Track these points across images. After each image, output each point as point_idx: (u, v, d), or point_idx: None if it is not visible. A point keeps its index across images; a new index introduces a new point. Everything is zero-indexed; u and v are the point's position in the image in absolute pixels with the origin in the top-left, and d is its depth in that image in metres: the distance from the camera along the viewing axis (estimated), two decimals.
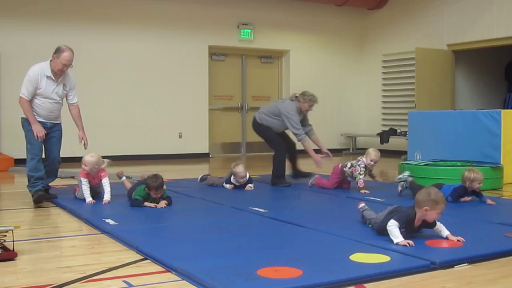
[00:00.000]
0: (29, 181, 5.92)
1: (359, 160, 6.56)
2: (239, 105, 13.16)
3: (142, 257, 3.72)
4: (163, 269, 3.44)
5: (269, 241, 4.17)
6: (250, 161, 11.41)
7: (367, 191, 6.39)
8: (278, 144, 7.24)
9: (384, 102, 13.61)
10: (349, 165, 6.62)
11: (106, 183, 5.85)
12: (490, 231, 4.43)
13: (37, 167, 5.87)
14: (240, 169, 6.79)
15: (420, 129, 8.56)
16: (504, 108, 11.74)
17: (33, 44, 10.58)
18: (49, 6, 10.74)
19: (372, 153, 6.54)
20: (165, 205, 5.50)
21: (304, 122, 7.32)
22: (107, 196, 5.78)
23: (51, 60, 5.89)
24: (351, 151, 13.51)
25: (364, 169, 6.48)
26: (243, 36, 12.68)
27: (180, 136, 12.03)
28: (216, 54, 12.75)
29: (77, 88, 6.21)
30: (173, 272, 3.35)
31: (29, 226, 4.89)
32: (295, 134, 7.07)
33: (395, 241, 3.87)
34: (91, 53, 11.01)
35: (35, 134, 5.83)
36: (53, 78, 5.90)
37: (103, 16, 11.19)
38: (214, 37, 12.34)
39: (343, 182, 6.75)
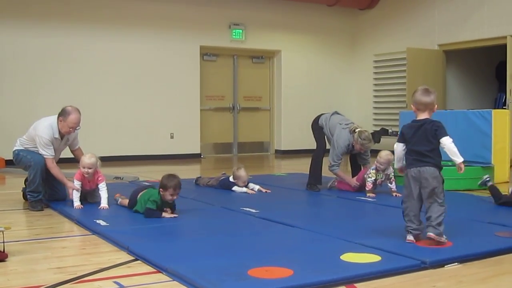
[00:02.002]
0: (30, 193, 5.71)
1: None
2: (231, 105, 13.15)
3: (133, 258, 3.72)
4: (154, 270, 3.44)
5: (260, 241, 4.18)
6: (241, 162, 11.40)
7: (371, 194, 6.21)
8: (320, 145, 6.99)
9: (375, 102, 13.64)
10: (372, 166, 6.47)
11: (103, 188, 5.61)
12: (481, 230, 4.45)
13: (39, 190, 5.71)
14: (242, 173, 6.75)
15: None
16: (495, 108, 11.79)
17: (28, 45, 10.58)
18: (42, 8, 10.69)
19: (381, 155, 6.31)
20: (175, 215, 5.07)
21: (363, 157, 6.81)
22: (104, 203, 5.54)
23: (58, 117, 5.72)
24: None
25: (374, 171, 6.33)
26: (234, 36, 12.67)
27: (172, 137, 12.01)
28: (207, 54, 12.73)
29: (78, 134, 6.07)
30: (164, 273, 3.35)
31: (20, 227, 4.87)
32: (329, 162, 6.65)
33: (458, 161, 3.95)
34: (82, 54, 11.01)
35: (70, 192, 5.62)
36: (60, 138, 5.81)
37: (93, 18, 11.14)
38: (205, 38, 12.32)
39: (364, 185, 6.47)
